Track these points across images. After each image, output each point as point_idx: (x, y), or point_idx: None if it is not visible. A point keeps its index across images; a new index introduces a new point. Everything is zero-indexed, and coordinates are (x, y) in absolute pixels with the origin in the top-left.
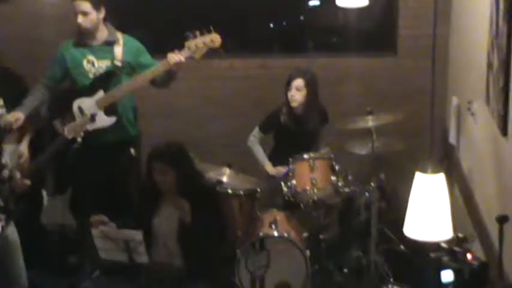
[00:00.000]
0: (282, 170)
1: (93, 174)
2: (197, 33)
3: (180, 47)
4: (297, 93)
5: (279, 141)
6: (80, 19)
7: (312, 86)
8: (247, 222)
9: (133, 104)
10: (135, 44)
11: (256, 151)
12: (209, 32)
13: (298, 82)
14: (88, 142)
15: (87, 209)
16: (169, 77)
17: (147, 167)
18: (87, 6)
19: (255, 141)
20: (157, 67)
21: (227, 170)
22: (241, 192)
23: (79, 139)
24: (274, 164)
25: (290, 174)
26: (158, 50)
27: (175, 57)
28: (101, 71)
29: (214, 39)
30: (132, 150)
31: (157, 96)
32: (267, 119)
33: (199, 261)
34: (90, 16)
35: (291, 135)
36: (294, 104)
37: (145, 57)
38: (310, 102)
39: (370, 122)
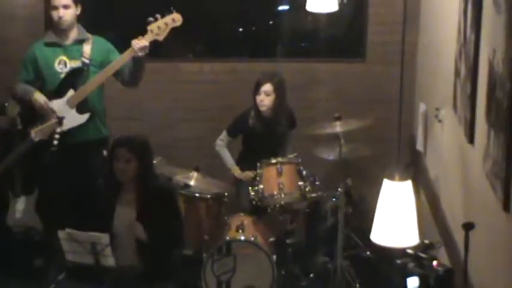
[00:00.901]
0: (249, 174)
1: (63, 175)
2: (158, 16)
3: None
4: (266, 97)
5: (247, 145)
6: (62, 12)
7: (280, 91)
8: (214, 226)
9: (103, 105)
10: (105, 43)
11: (224, 155)
12: (170, 12)
13: (267, 87)
14: (60, 142)
15: (54, 211)
16: (136, 66)
17: (109, 154)
18: (69, 0)
19: (222, 145)
20: (123, 55)
21: (195, 174)
22: (209, 196)
23: (55, 142)
24: (242, 168)
25: (258, 178)
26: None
27: (139, 42)
28: (73, 67)
29: (175, 18)
30: (105, 152)
31: (125, 99)
32: (234, 122)
33: (159, 263)
34: (71, 10)
35: (259, 139)
36: (263, 109)
37: (115, 55)
38: (278, 107)
39: (338, 127)
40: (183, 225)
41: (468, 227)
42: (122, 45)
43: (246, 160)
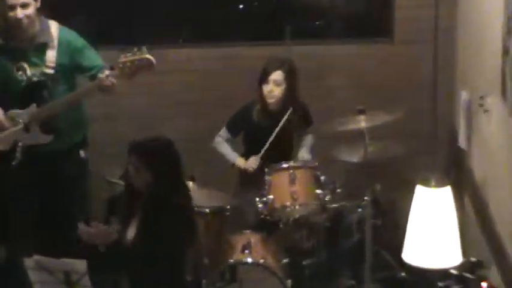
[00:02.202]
0: (254, 161)
1: (30, 190)
2: (128, 54)
3: (128, 37)
4: (276, 88)
5: (251, 146)
6: (20, 14)
7: (292, 79)
8: (215, 246)
9: (80, 111)
10: (73, 42)
11: (223, 149)
12: (140, 51)
13: (277, 75)
14: (23, 154)
15: (19, 233)
16: (105, 91)
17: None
18: None
19: (221, 142)
20: (87, 89)
21: (190, 184)
22: (207, 211)
23: (17, 154)
24: (243, 180)
25: (266, 187)
26: (105, 39)
27: (106, 81)
28: (35, 79)
29: (145, 59)
30: (82, 152)
31: (99, 94)
32: (236, 116)
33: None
34: (31, 8)
35: (266, 138)
36: (271, 101)
37: (87, 57)
38: (289, 99)
39: (361, 122)
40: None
41: None
42: (96, 32)
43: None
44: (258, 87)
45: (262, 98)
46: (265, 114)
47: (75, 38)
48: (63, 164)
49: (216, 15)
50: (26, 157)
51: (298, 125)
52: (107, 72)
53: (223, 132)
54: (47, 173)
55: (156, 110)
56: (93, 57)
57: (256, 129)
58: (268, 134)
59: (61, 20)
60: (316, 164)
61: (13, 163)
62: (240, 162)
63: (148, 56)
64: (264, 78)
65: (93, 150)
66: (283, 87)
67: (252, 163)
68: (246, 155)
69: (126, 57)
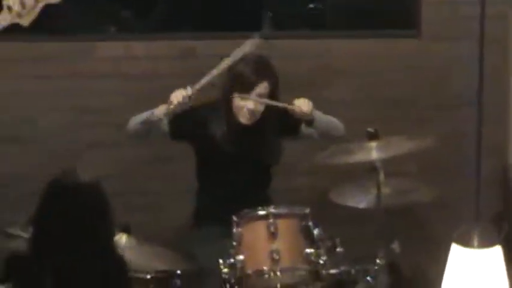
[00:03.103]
0: (181, 91)
1: None
2: None
3: None
4: (257, 105)
5: (208, 180)
6: None
7: (276, 89)
8: None
9: None
10: None
11: (137, 118)
12: None
13: (263, 88)
14: None
15: None
16: None
17: None
18: None
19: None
20: None
21: (123, 238)
22: (149, 276)
23: None
24: (201, 224)
25: (235, 243)
26: None
27: None
28: None
29: None
30: None
31: (6, 107)
32: (188, 113)
33: None
34: None
35: (230, 167)
36: (247, 121)
37: None
38: (265, 113)
39: (373, 152)
40: None
41: None
42: None
43: (210, 207)
44: (225, 95)
45: (230, 112)
46: (231, 134)
47: None
48: None
49: None
50: None
51: (281, 129)
52: None
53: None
54: None
55: (78, 131)
56: None
57: (215, 152)
58: (231, 159)
59: None
60: (307, 211)
61: None
62: (160, 108)
63: None
64: (242, 90)
65: None
66: (266, 98)
67: (178, 93)
68: (201, 194)
69: None
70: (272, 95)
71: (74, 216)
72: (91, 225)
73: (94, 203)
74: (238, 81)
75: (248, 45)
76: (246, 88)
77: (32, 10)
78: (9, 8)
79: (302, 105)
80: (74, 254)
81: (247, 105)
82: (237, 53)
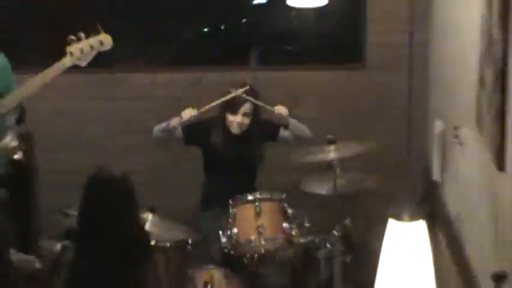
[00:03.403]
0: (189, 111)
1: None
2: (82, 35)
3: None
4: (245, 119)
5: (212, 174)
6: None
7: (257, 107)
8: (176, 282)
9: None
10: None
11: (160, 126)
12: (97, 32)
13: (248, 108)
14: None
15: None
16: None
17: None
18: None
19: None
20: (35, 81)
21: (149, 216)
22: (168, 245)
23: None
24: (208, 207)
25: (230, 220)
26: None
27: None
28: None
29: (103, 40)
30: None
31: (57, 122)
32: (195, 126)
33: None
34: None
35: (226, 165)
36: (237, 131)
37: (5, 80)
38: (252, 125)
39: (332, 153)
40: None
41: (500, 278)
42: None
43: (213, 195)
44: (221, 113)
45: (225, 125)
46: (227, 141)
47: (5, 60)
48: None
49: (183, 37)
50: None
51: (263, 136)
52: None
53: (176, 128)
54: None
55: (117, 138)
56: (9, 80)
57: (216, 154)
58: (231, 163)
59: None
60: (284, 196)
61: None
62: (174, 120)
63: (105, 36)
64: (233, 109)
65: (49, 179)
66: (251, 117)
67: (187, 111)
68: (208, 186)
69: (80, 42)
70: (255, 112)
71: (108, 200)
72: (121, 207)
73: (123, 190)
74: (230, 103)
75: (248, 82)
76: (235, 108)
77: (89, 55)
78: (72, 54)
79: (281, 109)
80: (109, 228)
81: (236, 120)
82: (239, 91)
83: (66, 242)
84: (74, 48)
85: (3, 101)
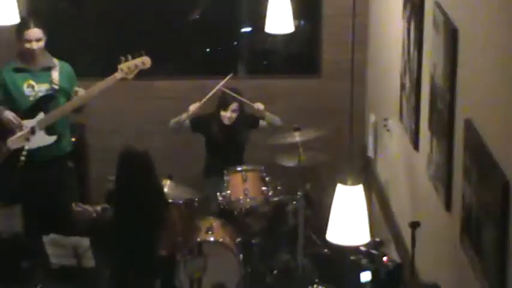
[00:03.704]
0: (194, 105)
1: (34, 189)
2: (129, 56)
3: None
4: (232, 114)
5: (211, 152)
6: (35, 46)
7: (241, 105)
8: (187, 229)
9: (69, 124)
10: (70, 70)
11: (174, 119)
12: (140, 55)
13: (235, 106)
14: (28, 160)
15: (35, 219)
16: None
17: None
18: (40, 33)
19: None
20: (95, 88)
21: (168, 182)
22: (181, 202)
23: (22, 158)
24: (209, 175)
25: (225, 184)
26: (92, 75)
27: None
28: (40, 94)
29: (145, 61)
30: (69, 163)
31: (107, 113)
32: (200, 118)
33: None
34: (42, 42)
35: (222, 147)
36: (228, 122)
37: (76, 84)
38: (239, 117)
39: (297, 137)
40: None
41: (414, 225)
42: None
43: (213, 167)
44: (216, 110)
45: (219, 118)
46: (222, 131)
47: (70, 68)
48: (54, 170)
49: (192, 54)
50: (27, 162)
51: (247, 125)
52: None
53: (185, 121)
54: (42, 176)
55: (146, 126)
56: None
57: (213, 139)
58: (224, 145)
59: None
60: (263, 168)
61: (18, 165)
62: (184, 115)
63: (146, 58)
64: (224, 107)
65: (100, 155)
66: (238, 112)
67: (193, 105)
68: (209, 161)
69: (128, 62)
70: (241, 108)
71: (133, 169)
72: (144, 174)
73: (144, 162)
74: (220, 102)
75: (226, 82)
76: (226, 105)
77: (134, 71)
78: (121, 70)
79: (259, 105)
80: (137, 191)
81: (226, 115)
82: (220, 84)
83: (106, 205)
84: (124, 66)
85: (72, 102)
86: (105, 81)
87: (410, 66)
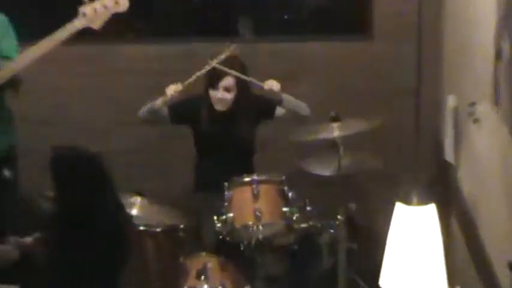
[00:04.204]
0: (174, 86)
1: None
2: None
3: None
4: (226, 94)
5: (202, 152)
6: None
7: (244, 83)
8: (167, 270)
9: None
10: (3, 19)
11: (147, 106)
12: None
13: (229, 81)
14: None
15: None
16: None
17: None
18: None
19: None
20: (39, 47)
21: (138, 200)
22: (158, 230)
23: None
24: (201, 189)
25: (226, 203)
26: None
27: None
28: None
29: (119, 0)
30: (7, 172)
31: (40, 96)
32: (181, 103)
33: None
34: None
35: (216, 144)
36: (220, 107)
37: (7, 42)
38: (240, 102)
39: (335, 131)
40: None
41: None
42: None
43: (205, 176)
44: (205, 89)
45: (209, 102)
46: (213, 118)
47: (7, 21)
48: None
49: (174, 8)
50: None
51: (256, 113)
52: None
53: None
54: None
55: (103, 115)
56: (13, 43)
57: (203, 131)
58: (217, 139)
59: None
60: (283, 178)
61: None
62: (158, 100)
63: None
64: (212, 84)
65: (27, 159)
66: (234, 92)
67: (171, 87)
68: (199, 165)
69: (94, 3)
70: (243, 86)
71: (77, 182)
72: (88, 190)
73: (93, 171)
74: (208, 76)
75: (226, 51)
76: (215, 80)
77: (102, 16)
78: (84, 14)
79: (272, 84)
80: (85, 215)
81: (216, 96)
82: (219, 57)
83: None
84: (88, 8)
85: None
86: (58, 34)
87: (509, 23)
